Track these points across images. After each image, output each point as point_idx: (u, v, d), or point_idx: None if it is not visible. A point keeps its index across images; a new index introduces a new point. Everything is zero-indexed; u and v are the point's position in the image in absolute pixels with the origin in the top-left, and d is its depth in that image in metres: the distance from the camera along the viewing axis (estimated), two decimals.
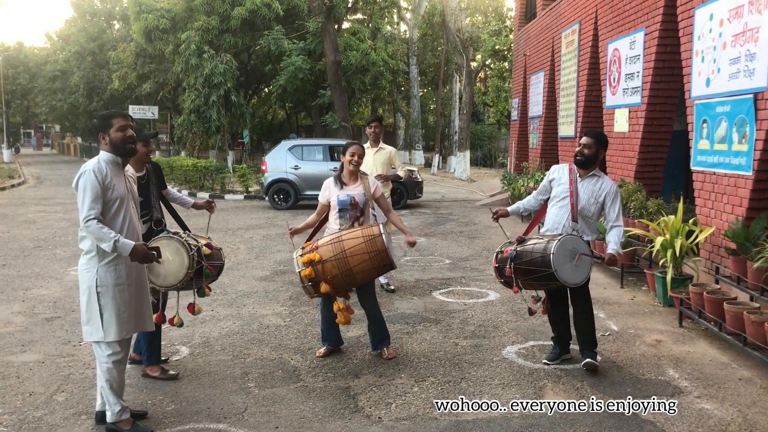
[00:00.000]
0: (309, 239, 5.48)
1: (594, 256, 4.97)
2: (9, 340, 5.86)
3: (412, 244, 5.47)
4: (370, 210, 5.60)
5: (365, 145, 7.85)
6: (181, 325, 4.92)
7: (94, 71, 41.48)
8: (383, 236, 5.03)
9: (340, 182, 5.52)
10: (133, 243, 3.95)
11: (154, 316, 4.76)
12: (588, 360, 5.03)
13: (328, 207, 5.55)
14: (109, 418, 4.07)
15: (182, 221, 5.40)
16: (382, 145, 7.84)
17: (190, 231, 5.16)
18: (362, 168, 7.60)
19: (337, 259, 4.96)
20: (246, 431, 4.12)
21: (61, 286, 7.96)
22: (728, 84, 6.65)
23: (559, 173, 5.26)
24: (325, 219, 5.60)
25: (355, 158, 5.49)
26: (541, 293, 5.29)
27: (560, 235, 4.94)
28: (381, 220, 6.17)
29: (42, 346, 5.74)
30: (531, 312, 5.27)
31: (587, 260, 4.84)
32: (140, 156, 4.86)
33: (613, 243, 5.05)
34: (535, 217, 5.61)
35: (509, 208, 5.46)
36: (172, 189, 5.51)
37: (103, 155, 4.04)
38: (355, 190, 5.48)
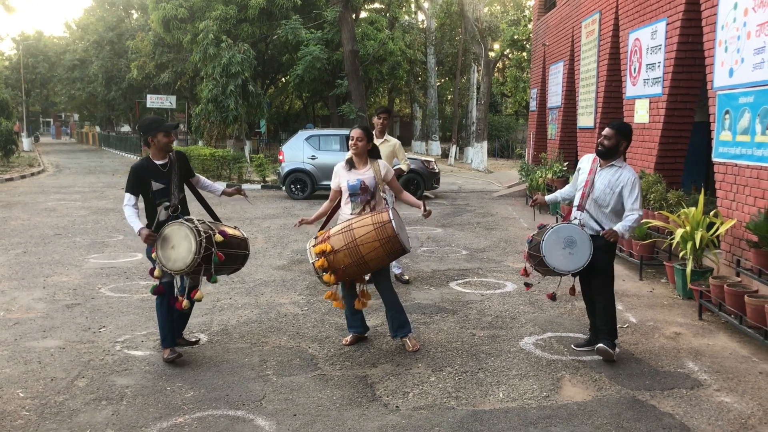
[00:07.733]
0: (322, 227, 5.48)
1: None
2: (30, 326, 5.93)
3: (427, 215, 5.33)
4: (381, 193, 5.52)
5: None
6: (189, 308, 5.07)
7: (112, 60, 41.77)
8: (393, 222, 4.97)
9: (350, 165, 5.46)
10: None
11: (178, 302, 4.89)
12: (600, 345, 5.03)
13: (340, 193, 5.51)
14: None
15: (211, 209, 5.45)
16: (387, 137, 7.76)
17: (220, 220, 5.25)
18: None
19: (348, 248, 4.95)
20: (264, 418, 4.14)
21: (80, 273, 8.04)
22: (752, 74, 6.55)
23: (585, 163, 5.33)
24: (338, 205, 5.57)
25: (354, 142, 5.40)
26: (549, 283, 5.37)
27: (560, 223, 5.13)
28: (393, 202, 6.14)
29: (63, 332, 5.81)
30: (552, 297, 5.39)
31: (584, 249, 4.93)
32: (162, 145, 4.97)
33: (620, 224, 4.99)
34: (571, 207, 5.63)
35: (547, 197, 5.65)
36: (201, 177, 5.51)
37: None
38: (365, 174, 5.40)
